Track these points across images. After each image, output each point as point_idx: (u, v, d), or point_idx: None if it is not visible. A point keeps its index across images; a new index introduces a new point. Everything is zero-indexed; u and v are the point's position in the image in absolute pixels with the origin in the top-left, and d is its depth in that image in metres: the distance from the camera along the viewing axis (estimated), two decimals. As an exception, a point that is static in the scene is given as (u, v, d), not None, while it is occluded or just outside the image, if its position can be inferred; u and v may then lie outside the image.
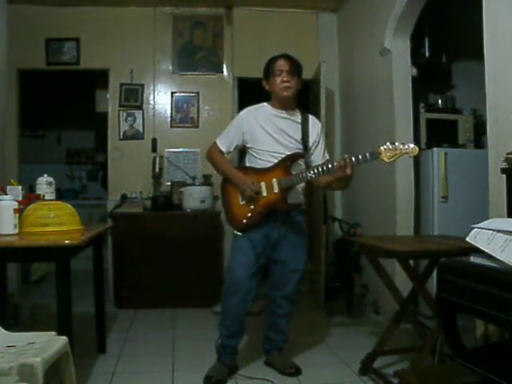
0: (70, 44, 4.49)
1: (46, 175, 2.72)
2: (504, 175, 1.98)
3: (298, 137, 2.57)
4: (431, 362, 2.26)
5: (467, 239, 1.60)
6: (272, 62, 2.58)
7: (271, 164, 2.51)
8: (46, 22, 4.44)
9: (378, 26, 3.72)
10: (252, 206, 2.49)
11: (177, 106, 4.65)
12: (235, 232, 2.57)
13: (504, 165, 1.98)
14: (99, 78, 4.85)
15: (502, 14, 2.24)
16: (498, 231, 1.49)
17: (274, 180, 2.47)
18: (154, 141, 4.55)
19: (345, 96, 4.69)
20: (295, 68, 2.55)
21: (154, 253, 3.97)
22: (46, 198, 2.63)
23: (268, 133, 2.54)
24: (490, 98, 2.34)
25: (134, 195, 4.38)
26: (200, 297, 3.98)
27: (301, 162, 2.58)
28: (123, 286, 4.03)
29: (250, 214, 2.49)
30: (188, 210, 4.14)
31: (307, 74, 4.49)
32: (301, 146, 2.56)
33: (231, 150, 2.64)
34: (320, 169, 2.39)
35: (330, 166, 2.36)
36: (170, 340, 3.18)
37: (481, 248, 1.51)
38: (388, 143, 2.25)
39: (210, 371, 2.54)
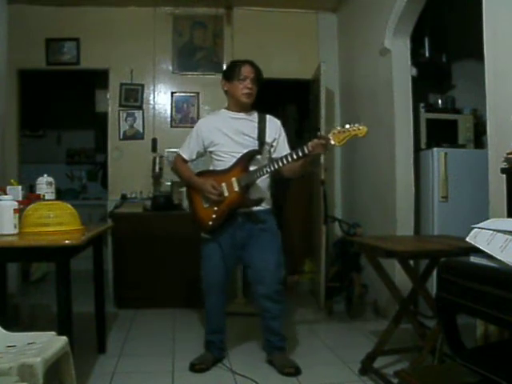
0: (69, 44, 4.50)
1: (46, 175, 2.72)
2: (504, 175, 1.98)
3: (255, 135, 2.64)
4: (431, 362, 2.25)
5: (467, 239, 1.60)
6: (237, 65, 2.64)
7: (230, 164, 2.59)
8: (46, 22, 4.44)
9: (377, 26, 3.72)
10: (215, 208, 2.60)
11: (177, 106, 4.65)
12: (203, 235, 2.68)
13: (504, 165, 1.98)
14: (99, 78, 4.85)
15: (502, 14, 2.24)
16: (498, 231, 1.49)
17: (234, 179, 2.57)
18: (154, 141, 4.55)
19: (345, 96, 4.69)
20: (258, 76, 2.63)
21: (154, 253, 3.96)
22: (46, 198, 2.63)
23: (226, 134, 2.63)
24: (490, 98, 2.34)
25: (134, 195, 4.38)
26: (200, 297, 3.96)
27: (260, 158, 2.62)
28: (123, 286, 4.02)
29: (214, 216, 2.61)
30: (188, 210, 4.12)
31: (307, 74, 4.53)
32: (257, 143, 2.62)
33: (194, 157, 2.76)
34: (283, 160, 2.44)
35: (298, 151, 2.39)
36: (170, 340, 3.18)
37: (481, 248, 1.51)
38: (338, 127, 2.31)
39: (195, 359, 2.69)
